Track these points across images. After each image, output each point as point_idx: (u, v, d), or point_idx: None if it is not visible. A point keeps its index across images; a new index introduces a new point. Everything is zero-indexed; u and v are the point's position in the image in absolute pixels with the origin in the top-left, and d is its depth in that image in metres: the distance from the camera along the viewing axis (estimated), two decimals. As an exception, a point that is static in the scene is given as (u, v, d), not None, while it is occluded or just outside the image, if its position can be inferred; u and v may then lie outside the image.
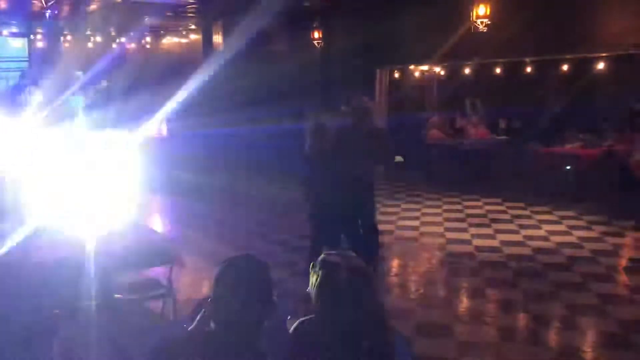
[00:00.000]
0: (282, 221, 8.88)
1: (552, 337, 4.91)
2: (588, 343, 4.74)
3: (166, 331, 2.88)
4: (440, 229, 8.19)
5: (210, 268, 6.96)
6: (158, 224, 9.04)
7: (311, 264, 2.19)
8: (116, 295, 4.51)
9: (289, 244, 7.63)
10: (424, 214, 9.12)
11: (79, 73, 12.83)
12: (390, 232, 8.04)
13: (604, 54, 10.34)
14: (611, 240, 7.54)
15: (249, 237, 8.03)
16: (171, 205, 10.49)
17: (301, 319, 2.24)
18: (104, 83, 13.00)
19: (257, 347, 2.04)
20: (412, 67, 13.15)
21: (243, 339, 2.00)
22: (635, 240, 7.68)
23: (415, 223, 8.57)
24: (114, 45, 14.70)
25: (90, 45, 14.38)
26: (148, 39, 15.43)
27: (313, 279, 2.14)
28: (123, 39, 14.79)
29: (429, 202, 9.98)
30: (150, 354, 2.00)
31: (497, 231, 8.02)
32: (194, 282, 6.15)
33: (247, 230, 8.36)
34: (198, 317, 2.09)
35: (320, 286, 2.10)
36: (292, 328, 2.22)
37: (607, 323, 5.07)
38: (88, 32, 13.65)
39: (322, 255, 2.19)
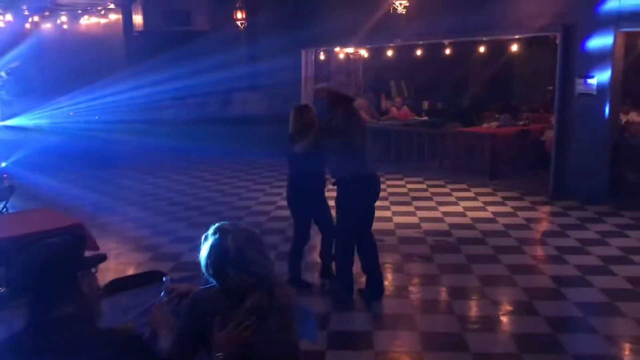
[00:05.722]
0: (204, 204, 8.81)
1: (466, 307, 5.12)
2: (498, 310, 4.99)
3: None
4: (363, 208, 8.32)
5: (129, 253, 6.76)
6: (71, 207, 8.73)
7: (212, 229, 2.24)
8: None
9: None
10: (348, 194, 9.23)
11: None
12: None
13: (516, 36, 10.74)
14: (522, 214, 7.94)
15: (170, 221, 7.90)
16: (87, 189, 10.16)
17: (201, 287, 2.34)
18: (15, 64, 12.34)
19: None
20: (337, 49, 13.21)
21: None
22: (545, 214, 8.11)
23: (339, 203, 8.66)
24: (27, 25, 13.97)
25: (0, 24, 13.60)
26: (64, 18, 14.72)
27: (206, 243, 2.18)
28: (37, 18, 14.06)
29: (353, 182, 10.11)
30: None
31: (418, 208, 8.26)
32: (113, 268, 6.00)
33: (169, 214, 8.23)
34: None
35: (210, 251, 2.18)
36: (189, 296, 2.31)
37: (515, 292, 5.35)
38: (-2, 10, 12.90)
39: (219, 223, 2.25)
